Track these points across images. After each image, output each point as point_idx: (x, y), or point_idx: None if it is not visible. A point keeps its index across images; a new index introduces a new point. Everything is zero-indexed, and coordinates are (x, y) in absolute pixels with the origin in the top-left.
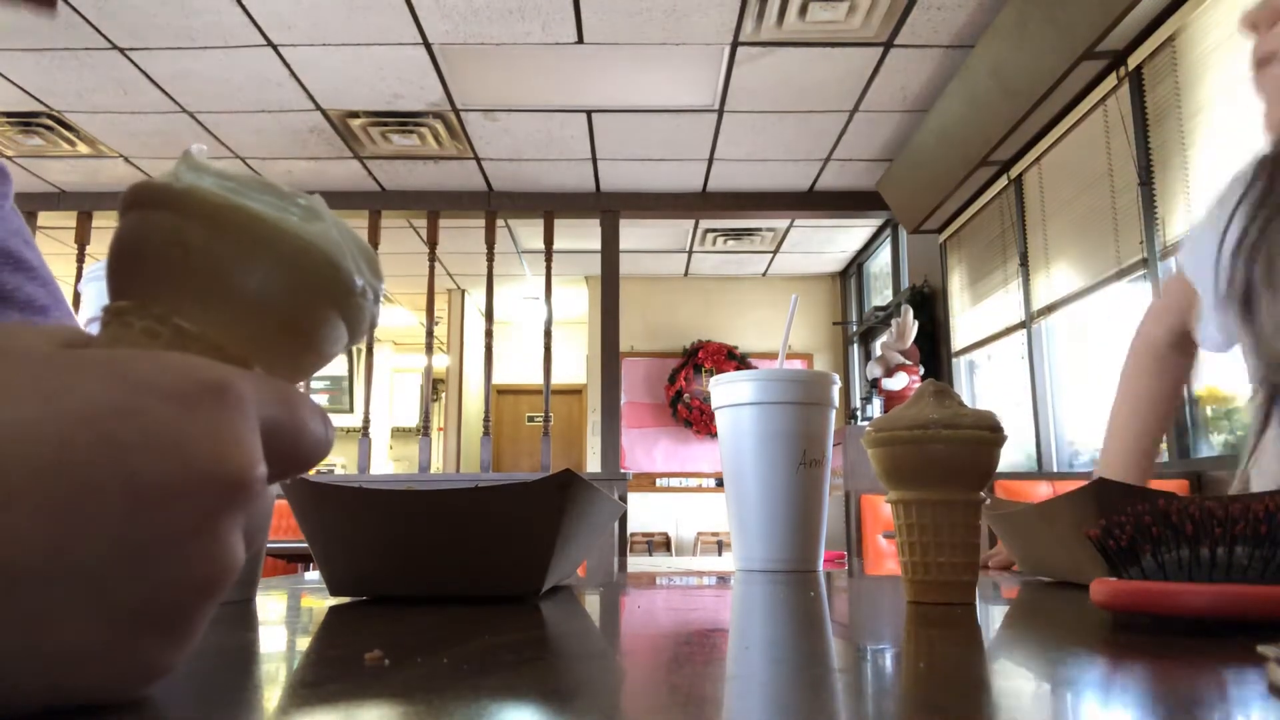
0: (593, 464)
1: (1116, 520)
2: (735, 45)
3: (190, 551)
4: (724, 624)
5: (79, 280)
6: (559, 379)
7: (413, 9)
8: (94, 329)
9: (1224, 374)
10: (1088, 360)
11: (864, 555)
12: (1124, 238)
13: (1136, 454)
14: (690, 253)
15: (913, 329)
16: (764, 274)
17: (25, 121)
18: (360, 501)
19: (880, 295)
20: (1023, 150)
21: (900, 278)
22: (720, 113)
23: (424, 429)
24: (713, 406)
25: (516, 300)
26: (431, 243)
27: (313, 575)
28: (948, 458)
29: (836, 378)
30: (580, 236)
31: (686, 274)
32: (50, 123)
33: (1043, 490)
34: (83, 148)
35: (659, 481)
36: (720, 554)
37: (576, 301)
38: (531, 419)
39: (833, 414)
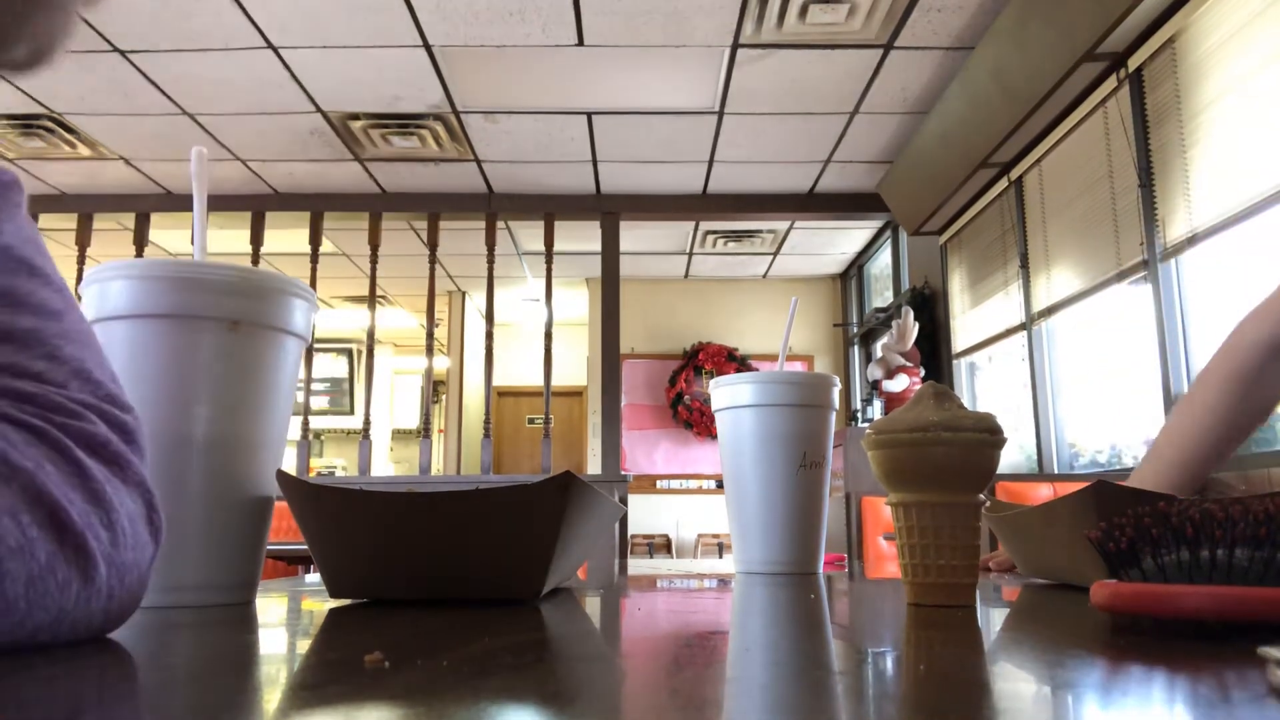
0: (593, 466)
1: (1117, 522)
2: (735, 47)
3: None
4: (724, 626)
5: (79, 283)
6: (559, 381)
7: (413, 11)
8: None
9: None
10: (1088, 362)
11: (864, 557)
12: (1124, 239)
13: (1196, 468)
14: (690, 255)
15: (913, 331)
16: (764, 276)
17: (26, 124)
18: (361, 504)
19: (880, 297)
20: (1023, 152)
21: (901, 279)
22: (720, 115)
23: (424, 431)
24: (713, 408)
25: (517, 302)
26: (432, 245)
27: (313, 577)
28: (948, 460)
29: (837, 380)
30: (580, 238)
31: (687, 276)
32: (51, 125)
33: (1043, 492)
34: (83, 150)
35: (659, 483)
36: (721, 556)
37: (577, 303)
38: (532, 421)
39: (833, 416)
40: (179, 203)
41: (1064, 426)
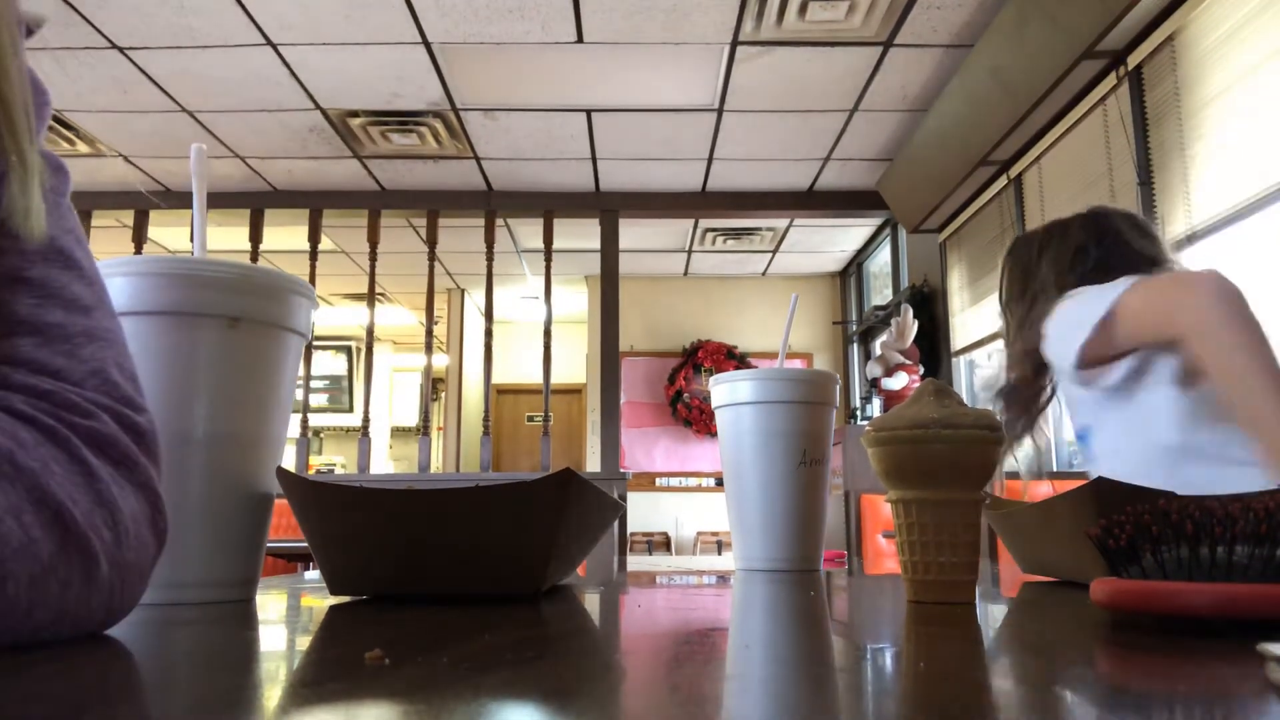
0: (592, 463)
1: (1116, 520)
2: (735, 44)
3: None
4: (724, 623)
5: None
6: (558, 378)
7: (412, 8)
8: None
9: None
10: None
11: (864, 554)
12: None
13: None
14: (690, 252)
15: (912, 328)
16: (764, 273)
17: None
18: (360, 501)
19: (880, 295)
20: (1022, 150)
21: (900, 277)
22: (720, 112)
23: (424, 428)
24: (713, 406)
25: (516, 300)
26: (431, 242)
27: (313, 574)
28: (947, 457)
29: (836, 377)
30: (580, 236)
31: (686, 273)
32: (50, 121)
33: (1043, 489)
34: (82, 147)
35: (659, 481)
36: (720, 553)
37: (576, 301)
38: (531, 418)
39: (833, 413)
40: (178, 200)
41: (1063, 424)
